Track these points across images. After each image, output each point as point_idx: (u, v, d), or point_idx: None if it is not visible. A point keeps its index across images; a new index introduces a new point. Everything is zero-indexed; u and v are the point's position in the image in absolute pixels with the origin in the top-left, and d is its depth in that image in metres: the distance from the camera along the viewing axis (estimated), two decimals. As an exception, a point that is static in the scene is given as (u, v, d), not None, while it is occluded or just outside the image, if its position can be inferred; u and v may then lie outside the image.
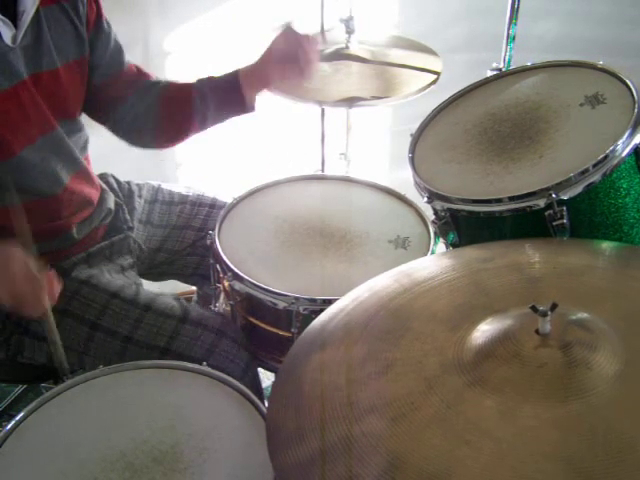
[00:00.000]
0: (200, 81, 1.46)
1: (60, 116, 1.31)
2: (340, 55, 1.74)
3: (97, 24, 1.37)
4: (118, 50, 1.43)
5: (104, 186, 1.51)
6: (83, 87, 1.37)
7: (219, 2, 2.05)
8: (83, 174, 1.40)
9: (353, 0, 1.80)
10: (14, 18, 1.20)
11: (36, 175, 1.29)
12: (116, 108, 1.43)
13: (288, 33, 1.42)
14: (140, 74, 1.47)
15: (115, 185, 1.57)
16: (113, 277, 1.41)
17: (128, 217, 1.53)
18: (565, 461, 0.65)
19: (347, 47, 1.75)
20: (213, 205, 1.64)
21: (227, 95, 1.44)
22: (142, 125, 1.46)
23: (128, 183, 1.60)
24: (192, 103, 1.43)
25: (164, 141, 1.52)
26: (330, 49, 1.77)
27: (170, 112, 1.46)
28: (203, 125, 1.47)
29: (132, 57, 1.48)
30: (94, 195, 1.44)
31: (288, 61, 1.40)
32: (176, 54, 2.07)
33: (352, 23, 1.74)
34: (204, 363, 1.16)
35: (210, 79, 1.46)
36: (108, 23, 1.40)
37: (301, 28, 1.43)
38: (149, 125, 1.46)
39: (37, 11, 1.23)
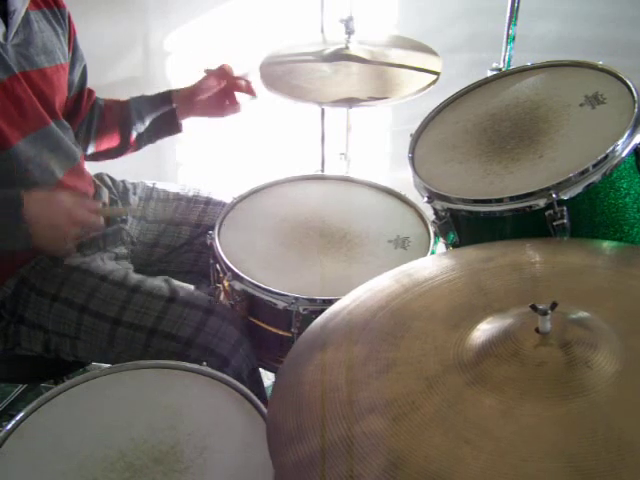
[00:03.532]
0: (135, 100, 1.60)
1: (51, 114, 1.35)
2: (340, 55, 1.74)
3: (74, 40, 1.46)
4: (85, 70, 1.53)
5: (98, 183, 1.53)
6: (66, 91, 1.44)
7: (219, 2, 2.05)
8: (77, 171, 1.43)
9: (353, 0, 1.80)
10: (5, 17, 1.25)
11: (31, 169, 1.31)
12: (73, 122, 1.50)
13: (219, 73, 1.58)
14: (91, 94, 1.58)
15: (110, 183, 1.60)
16: (105, 263, 1.42)
17: None
18: (566, 460, 0.65)
19: (347, 47, 1.75)
20: (208, 202, 1.66)
21: (162, 114, 1.61)
22: (86, 137, 1.59)
23: (123, 182, 1.63)
24: (130, 121, 1.58)
25: (100, 155, 1.64)
26: (330, 49, 1.77)
27: (109, 128, 1.60)
28: (139, 143, 1.63)
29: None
30: (89, 190, 1.47)
31: (213, 100, 1.59)
32: (176, 54, 2.07)
33: (352, 23, 1.74)
34: (204, 363, 1.16)
35: (145, 98, 1.61)
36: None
37: (236, 68, 1.60)
38: (91, 138, 1.59)
39: (27, 13, 1.30)
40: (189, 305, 1.33)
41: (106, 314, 1.33)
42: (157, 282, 1.38)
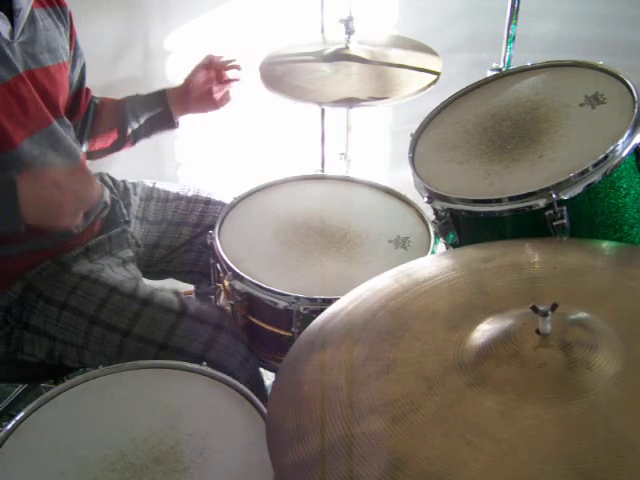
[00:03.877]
0: (130, 99, 1.61)
1: (54, 113, 1.35)
2: (340, 55, 1.74)
3: (75, 39, 1.47)
4: (84, 69, 1.54)
5: (99, 182, 1.53)
6: (68, 89, 1.45)
7: (219, 2, 2.05)
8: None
9: (353, 0, 1.80)
10: (10, 15, 1.26)
11: (35, 169, 1.30)
12: (71, 120, 1.49)
13: (206, 63, 1.59)
14: (88, 93, 1.59)
15: (110, 183, 1.60)
16: (114, 271, 1.42)
17: (125, 211, 1.55)
18: (565, 461, 0.65)
19: (347, 47, 1.75)
20: (208, 202, 1.66)
21: (157, 114, 1.61)
22: (81, 135, 1.59)
23: (123, 182, 1.64)
24: (126, 120, 1.58)
25: (95, 153, 1.63)
26: (330, 49, 1.77)
27: (105, 126, 1.60)
28: (135, 139, 1.63)
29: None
30: None
31: (205, 94, 1.60)
32: (176, 54, 2.07)
33: (352, 23, 1.74)
34: (204, 363, 1.16)
35: (140, 98, 1.61)
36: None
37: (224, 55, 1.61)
38: (86, 135, 1.60)
39: (32, 11, 1.30)
40: (199, 320, 1.33)
41: (117, 325, 1.32)
42: (168, 295, 1.38)
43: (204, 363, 1.16)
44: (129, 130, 1.60)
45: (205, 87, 1.60)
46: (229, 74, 1.63)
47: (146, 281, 1.57)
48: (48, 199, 1.20)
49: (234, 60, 1.62)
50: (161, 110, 1.61)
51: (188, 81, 1.61)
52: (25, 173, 1.22)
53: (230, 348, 1.31)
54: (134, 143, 1.64)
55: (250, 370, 1.34)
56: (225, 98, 1.64)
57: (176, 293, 1.40)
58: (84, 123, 1.58)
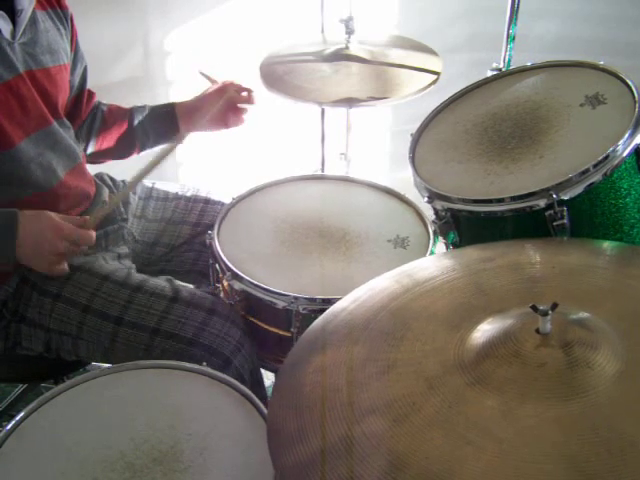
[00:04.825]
0: (138, 108, 1.61)
1: (53, 113, 1.35)
2: (340, 55, 1.74)
3: (76, 42, 1.48)
4: (85, 71, 1.54)
5: (99, 182, 1.53)
6: (68, 91, 1.45)
7: (219, 2, 2.05)
8: (78, 170, 1.44)
9: (353, 0, 1.80)
10: (12, 16, 1.26)
11: (33, 168, 1.32)
12: (73, 123, 1.50)
13: (220, 89, 1.59)
14: (91, 96, 1.59)
15: (110, 183, 1.61)
16: (108, 263, 1.43)
17: (122, 210, 1.55)
18: (567, 460, 0.65)
19: (347, 47, 1.75)
20: (207, 201, 1.66)
21: (165, 127, 1.62)
22: (87, 140, 1.60)
23: (123, 182, 1.64)
24: (133, 129, 1.59)
25: (101, 156, 1.64)
26: (330, 49, 1.77)
27: (111, 132, 1.60)
28: (142, 148, 1.63)
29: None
30: (90, 190, 1.47)
31: (215, 116, 1.59)
32: (176, 54, 2.07)
33: (352, 23, 1.74)
34: (204, 363, 1.16)
35: (148, 108, 1.62)
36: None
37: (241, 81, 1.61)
38: (92, 139, 1.60)
39: (33, 12, 1.31)
40: (192, 305, 1.33)
41: (109, 313, 1.32)
42: (160, 282, 1.38)
43: (204, 363, 1.16)
44: (136, 138, 1.60)
45: (215, 108, 1.59)
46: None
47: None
48: (45, 246, 1.25)
49: (250, 91, 1.60)
50: (169, 124, 1.61)
51: (200, 102, 1.61)
52: (32, 213, 1.24)
53: (223, 332, 1.31)
54: (140, 152, 1.64)
55: (245, 354, 1.33)
56: (236, 120, 1.63)
57: (168, 280, 1.40)
58: (91, 127, 1.58)
